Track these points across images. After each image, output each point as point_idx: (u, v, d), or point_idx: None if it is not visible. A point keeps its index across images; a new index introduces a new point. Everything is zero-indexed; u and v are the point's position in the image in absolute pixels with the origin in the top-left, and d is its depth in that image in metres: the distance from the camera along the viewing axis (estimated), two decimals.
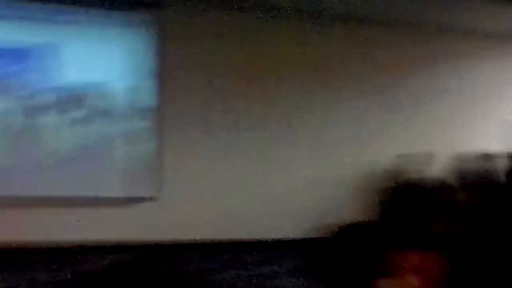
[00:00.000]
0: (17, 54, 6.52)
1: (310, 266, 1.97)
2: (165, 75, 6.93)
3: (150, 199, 6.88)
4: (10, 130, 6.50)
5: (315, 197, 7.29)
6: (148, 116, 6.90)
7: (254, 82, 7.29)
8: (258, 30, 7.28)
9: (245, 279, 5.67)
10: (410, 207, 2.66)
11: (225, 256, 6.49)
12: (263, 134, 7.34)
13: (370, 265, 1.88)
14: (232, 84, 7.19)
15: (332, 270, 1.92)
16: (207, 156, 7.10)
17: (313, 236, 2.10)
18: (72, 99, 6.67)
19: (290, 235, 6.80)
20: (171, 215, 6.91)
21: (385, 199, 3.10)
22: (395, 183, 6.40)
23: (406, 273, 1.99)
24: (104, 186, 6.75)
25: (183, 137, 7.01)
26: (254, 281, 5.54)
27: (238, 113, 7.24)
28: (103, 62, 6.75)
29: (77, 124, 6.70)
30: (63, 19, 6.63)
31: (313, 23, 7.40)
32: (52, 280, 5.46)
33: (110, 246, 6.24)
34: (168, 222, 6.89)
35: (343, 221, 2.07)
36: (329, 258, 1.94)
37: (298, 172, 7.39)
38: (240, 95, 7.22)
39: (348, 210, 6.56)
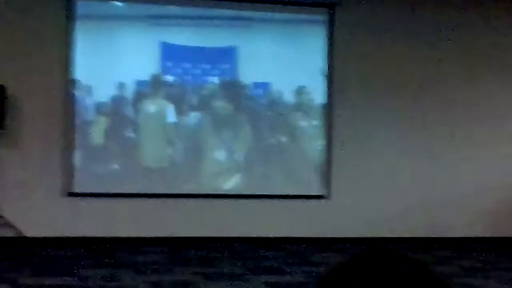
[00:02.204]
0: (197, 56, 6.84)
1: None
2: (334, 74, 6.96)
3: (319, 197, 6.94)
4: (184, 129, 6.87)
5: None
6: (318, 115, 6.99)
7: (427, 77, 7.08)
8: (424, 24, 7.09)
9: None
10: None
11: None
12: (438, 131, 7.08)
13: None
14: (402, 81, 7.04)
15: None
16: (377, 153, 6.98)
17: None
18: (243, 99, 6.92)
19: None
20: (341, 213, 6.92)
21: None
22: None
23: None
24: (274, 184, 6.92)
25: (351, 135, 6.98)
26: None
27: (410, 111, 7.06)
28: (275, 63, 6.89)
29: (247, 124, 6.93)
30: (240, 23, 6.91)
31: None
32: None
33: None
34: (338, 220, 6.91)
35: None
36: None
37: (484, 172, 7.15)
38: (411, 91, 7.04)
39: None
